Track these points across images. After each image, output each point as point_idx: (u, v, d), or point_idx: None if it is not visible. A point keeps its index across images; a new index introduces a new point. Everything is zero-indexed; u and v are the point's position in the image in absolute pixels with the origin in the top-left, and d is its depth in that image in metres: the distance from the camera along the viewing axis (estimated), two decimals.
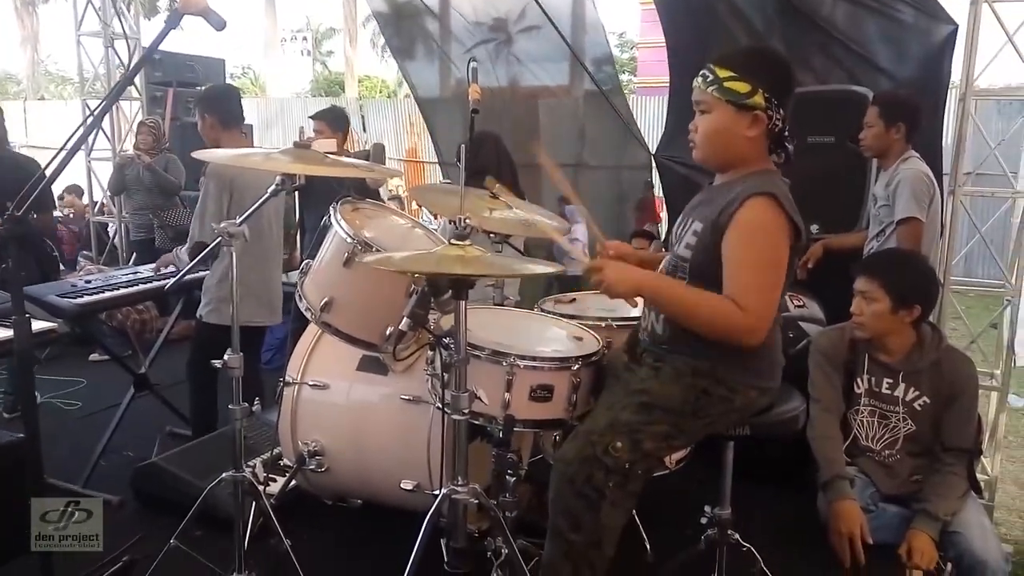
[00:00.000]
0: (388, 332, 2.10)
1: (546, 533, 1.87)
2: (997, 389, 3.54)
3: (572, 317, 2.46)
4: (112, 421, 3.36)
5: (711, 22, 4.25)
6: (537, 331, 2.38)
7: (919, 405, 2.36)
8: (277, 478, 2.62)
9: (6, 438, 2.28)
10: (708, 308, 1.75)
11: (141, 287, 3.50)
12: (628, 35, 23.75)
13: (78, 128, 1.83)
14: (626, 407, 1.83)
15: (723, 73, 1.78)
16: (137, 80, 6.12)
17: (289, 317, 3.82)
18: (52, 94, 25.92)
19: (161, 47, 1.97)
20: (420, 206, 7.69)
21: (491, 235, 2.63)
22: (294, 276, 3.19)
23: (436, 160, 7.10)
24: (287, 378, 2.56)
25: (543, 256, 3.84)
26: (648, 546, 2.58)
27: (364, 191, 3.68)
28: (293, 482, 2.60)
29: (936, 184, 3.14)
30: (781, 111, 1.79)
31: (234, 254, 2.08)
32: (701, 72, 1.83)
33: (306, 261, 2.36)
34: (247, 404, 2.17)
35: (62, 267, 4.82)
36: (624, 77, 18.97)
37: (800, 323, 3.16)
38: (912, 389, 2.36)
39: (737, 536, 2.20)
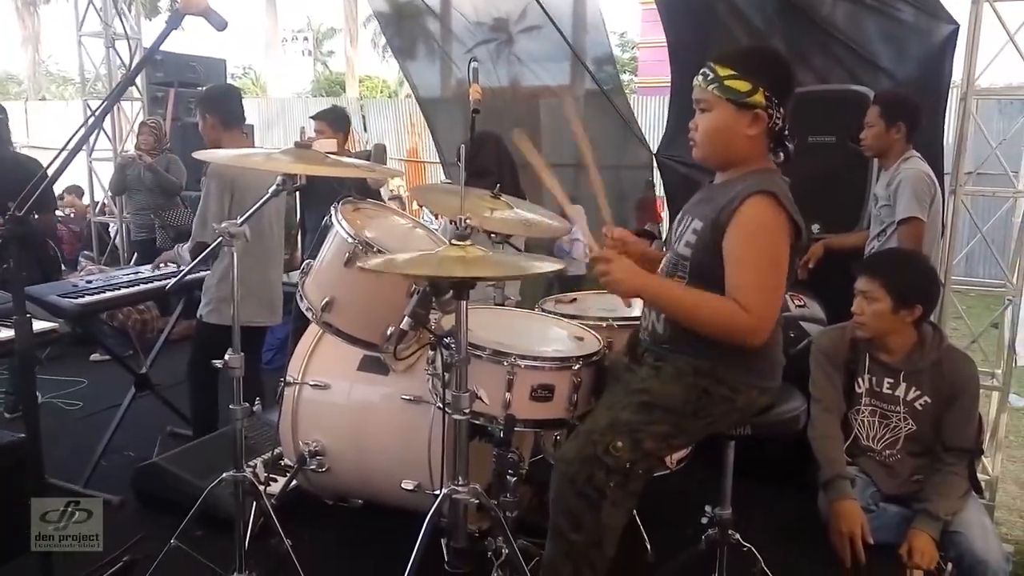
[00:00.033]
0: (389, 332, 2.10)
1: (547, 533, 1.87)
2: (998, 389, 3.53)
3: (573, 317, 2.46)
4: (113, 421, 3.37)
5: (711, 22, 4.25)
6: (538, 331, 2.38)
7: (920, 405, 2.35)
8: (278, 478, 2.62)
9: (7, 438, 2.28)
10: (711, 311, 1.74)
11: (142, 287, 3.51)
12: (629, 35, 23.77)
13: (79, 128, 1.84)
14: (627, 407, 1.83)
15: (724, 71, 1.78)
16: (138, 80, 6.14)
17: (290, 317, 3.83)
18: (53, 94, 25.96)
19: (162, 47, 1.97)
20: (421, 206, 7.70)
21: (492, 235, 2.63)
22: (295, 276, 3.19)
23: (437, 160, 7.10)
24: (288, 378, 2.56)
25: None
26: (649, 546, 2.58)
27: (365, 191, 3.68)
28: (294, 482, 2.60)
29: (937, 184, 3.13)
30: (781, 110, 1.79)
31: (235, 254, 2.08)
32: (701, 70, 1.82)
33: (307, 261, 2.36)
34: (248, 404, 2.17)
35: (63, 267, 4.82)
36: (625, 77, 18.95)
37: (801, 323, 3.15)
38: (913, 389, 2.36)
39: (738, 536, 2.20)
